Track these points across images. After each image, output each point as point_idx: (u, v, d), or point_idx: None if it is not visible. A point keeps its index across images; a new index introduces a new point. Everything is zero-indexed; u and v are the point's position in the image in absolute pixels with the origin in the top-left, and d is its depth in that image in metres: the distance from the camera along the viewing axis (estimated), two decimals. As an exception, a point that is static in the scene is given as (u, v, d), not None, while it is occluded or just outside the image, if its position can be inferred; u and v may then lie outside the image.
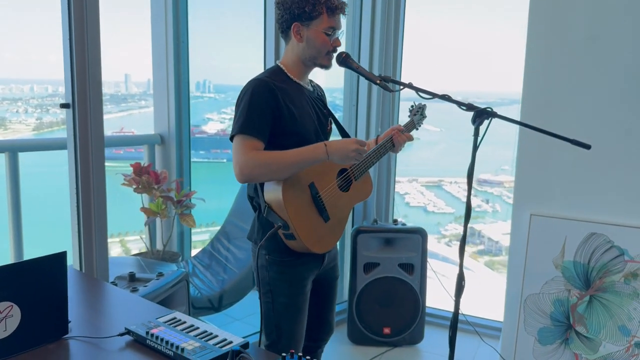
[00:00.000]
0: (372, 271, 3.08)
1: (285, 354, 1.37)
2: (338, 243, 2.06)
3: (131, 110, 7.55)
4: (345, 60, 1.87)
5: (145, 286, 2.14)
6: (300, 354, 1.38)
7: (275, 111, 1.77)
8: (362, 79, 3.38)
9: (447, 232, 8.07)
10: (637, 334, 2.35)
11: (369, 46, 3.35)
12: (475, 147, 1.88)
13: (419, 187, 8.70)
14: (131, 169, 3.59)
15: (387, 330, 3.13)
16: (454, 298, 1.94)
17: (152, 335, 1.53)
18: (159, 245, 3.88)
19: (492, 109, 1.89)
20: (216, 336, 1.54)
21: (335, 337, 3.23)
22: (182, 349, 1.45)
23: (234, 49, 5.23)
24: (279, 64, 1.92)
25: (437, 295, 3.25)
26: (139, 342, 1.55)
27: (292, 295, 1.89)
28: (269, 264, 1.87)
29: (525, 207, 2.55)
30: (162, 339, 1.50)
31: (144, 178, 3.65)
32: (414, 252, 3.08)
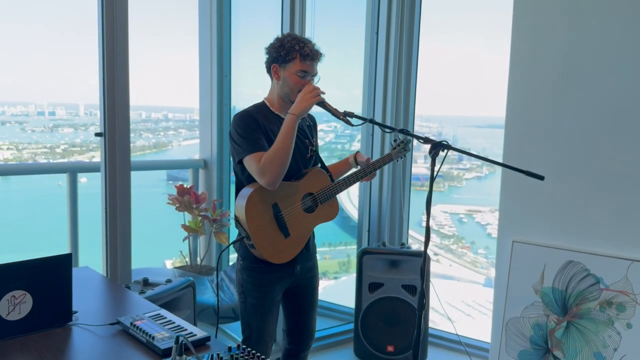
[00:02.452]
0: (376, 291, 3.29)
1: (231, 346, 1.65)
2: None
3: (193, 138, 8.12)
4: None
5: (153, 289, 2.49)
6: (244, 346, 1.65)
7: (261, 131, 2.12)
8: (377, 105, 3.65)
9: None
10: (611, 361, 2.42)
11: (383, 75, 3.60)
12: (432, 177, 2.09)
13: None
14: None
15: (390, 348, 3.31)
16: (417, 312, 2.17)
17: (134, 325, 1.85)
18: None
19: (447, 142, 2.10)
20: (185, 329, 1.85)
21: (343, 352, 3.47)
22: (153, 337, 1.77)
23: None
24: (264, 100, 2.25)
25: (442, 317, 3.40)
26: (124, 331, 1.88)
27: (260, 298, 2.19)
28: (242, 268, 2.20)
29: (508, 234, 2.69)
30: (140, 329, 1.82)
31: (185, 198, 4.09)
32: (417, 274, 3.26)
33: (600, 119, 2.49)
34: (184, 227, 4.13)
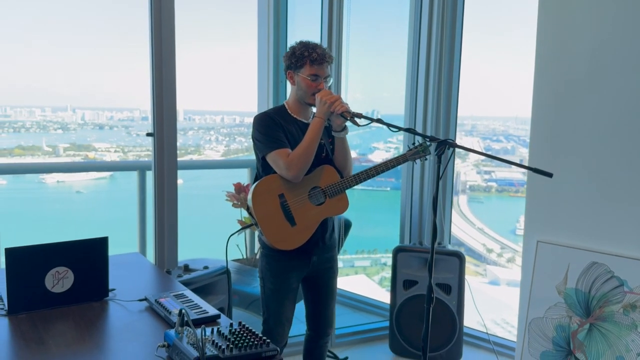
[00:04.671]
0: (410, 288, 3.36)
1: (232, 322, 1.84)
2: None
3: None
4: None
5: (189, 274, 2.74)
6: (245, 324, 1.83)
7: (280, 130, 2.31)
8: (419, 108, 3.73)
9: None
10: (634, 365, 2.36)
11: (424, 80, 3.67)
12: (439, 175, 2.18)
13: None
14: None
15: (424, 345, 3.36)
16: (426, 306, 2.28)
17: (158, 302, 2.09)
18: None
19: (452, 140, 2.17)
20: (200, 307, 2.06)
21: (378, 348, 3.57)
22: (170, 312, 1.99)
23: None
24: (285, 103, 2.44)
25: (479, 318, 3.42)
26: (150, 307, 2.12)
27: (277, 283, 2.38)
28: (262, 255, 2.41)
29: (534, 234, 2.69)
30: (162, 305, 2.05)
31: (242, 195, 4.37)
32: (451, 273, 3.30)
33: (626, 120, 2.44)
34: (240, 222, 4.40)
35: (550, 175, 2.11)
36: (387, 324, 3.54)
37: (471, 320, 3.54)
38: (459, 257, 3.31)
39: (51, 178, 8.16)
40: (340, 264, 2.68)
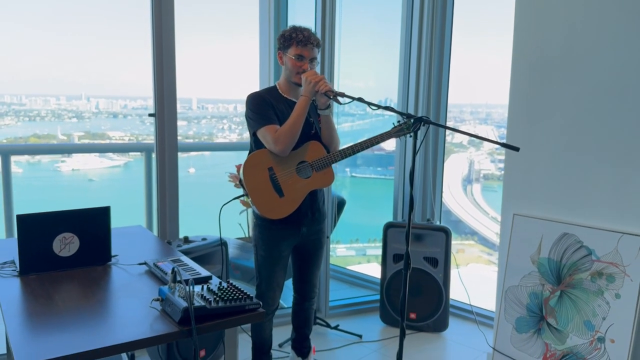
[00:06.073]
0: (400, 262, 3.54)
1: (221, 281, 2.03)
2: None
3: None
4: None
5: (188, 244, 2.95)
6: (234, 283, 2.02)
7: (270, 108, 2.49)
8: (411, 93, 3.88)
9: None
10: (600, 329, 2.52)
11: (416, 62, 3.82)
12: (415, 150, 2.34)
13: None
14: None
15: (413, 316, 3.54)
16: (405, 272, 2.45)
17: (156, 265, 2.28)
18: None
19: (428, 117, 2.33)
20: (194, 270, 2.25)
21: (369, 318, 3.76)
22: (166, 273, 2.18)
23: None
24: (276, 83, 2.61)
25: (465, 292, 3.59)
26: (149, 270, 2.32)
27: (268, 250, 2.59)
28: (255, 225, 2.61)
29: (510, 208, 2.85)
30: (159, 268, 2.25)
31: (243, 176, 4.57)
32: (439, 248, 3.47)
33: (596, 100, 2.58)
34: (242, 202, 4.60)
35: (517, 149, 2.26)
36: (378, 297, 3.73)
37: (458, 293, 3.72)
38: (445, 233, 3.48)
39: (66, 166, 8.40)
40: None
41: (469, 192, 9.25)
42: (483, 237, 8.61)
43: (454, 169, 9.23)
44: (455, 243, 8.66)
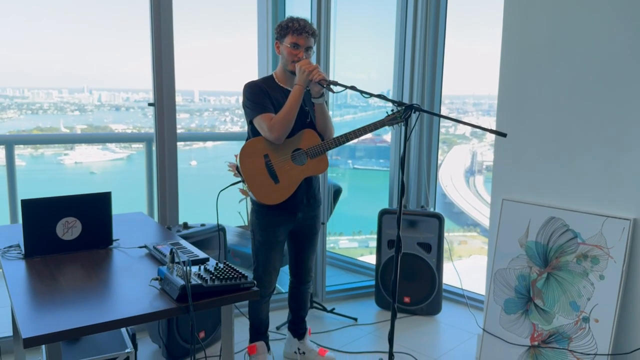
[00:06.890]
0: (394, 247, 3.62)
1: (218, 261, 2.12)
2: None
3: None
4: None
5: (187, 230, 3.04)
6: (229, 264, 2.11)
7: (267, 97, 2.57)
8: (406, 83, 3.96)
9: None
10: (584, 309, 2.61)
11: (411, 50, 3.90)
12: (406, 137, 2.42)
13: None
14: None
15: (407, 299, 3.64)
16: (395, 259, 2.53)
17: (155, 248, 2.38)
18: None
19: (419, 105, 2.41)
20: (191, 252, 2.34)
21: (365, 302, 3.85)
22: (165, 255, 2.28)
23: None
24: (273, 73, 2.69)
25: (457, 276, 3.68)
26: (149, 253, 2.41)
27: (265, 235, 2.68)
28: (252, 211, 2.70)
29: (499, 193, 2.93)
30: (159, 250, 2.34)
31: (242, 166, 4.65)
32: (432, 233, 3.56)
33: (581, 87, 2.65)
34: (241, 190, 4.69)
35: (504, 135, 2.35)
36: (374, 282, 3.82)
37: (451, 278, 3.81)
38: (438, 219, 3.57)
39: (69, 159, 8.49)
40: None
41: (472, 183, 9.31)
42: (485, 228, 8.67)
43: (456, 160, 9.29)
44: (458, 235, 8.74)
